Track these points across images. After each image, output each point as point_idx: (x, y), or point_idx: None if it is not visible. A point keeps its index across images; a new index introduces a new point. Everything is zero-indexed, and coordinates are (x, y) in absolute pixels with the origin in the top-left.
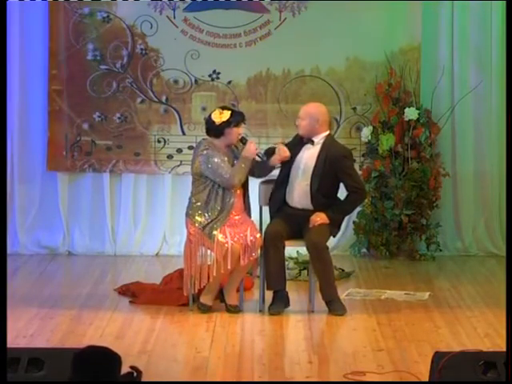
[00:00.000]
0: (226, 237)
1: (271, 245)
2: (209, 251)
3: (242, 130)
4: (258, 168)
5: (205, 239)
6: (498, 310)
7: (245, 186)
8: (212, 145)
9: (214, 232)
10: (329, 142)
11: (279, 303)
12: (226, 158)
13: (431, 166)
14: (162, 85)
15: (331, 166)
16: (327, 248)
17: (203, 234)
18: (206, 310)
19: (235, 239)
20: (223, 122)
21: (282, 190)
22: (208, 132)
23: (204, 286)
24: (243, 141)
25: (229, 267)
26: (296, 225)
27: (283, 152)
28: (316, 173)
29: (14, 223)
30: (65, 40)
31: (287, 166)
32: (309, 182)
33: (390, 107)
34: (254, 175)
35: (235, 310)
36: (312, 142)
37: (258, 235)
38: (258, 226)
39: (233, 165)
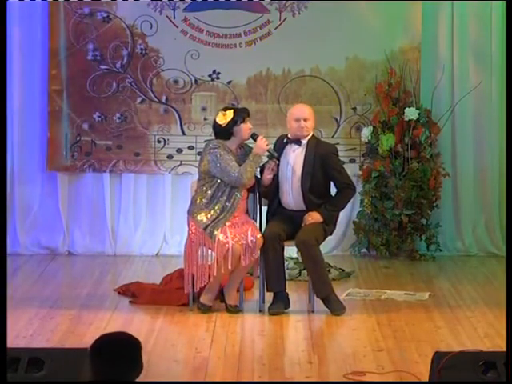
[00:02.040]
0: (227, 237)
1: (270, 247)
2: (209, 251)
3: (251, 125)
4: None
5: (206, 239)
6: (498, 310)
7: (254, 188)
8: (222, 145)
9: (215, 232)
10: (313, 141)
11: (279, 303)
12: (234, 159)
13: (431, 166)
14: (162, 85)
15: (321, 164)
16: (317, 245)
17: (204, 234)
18: (206, 309)
19: (236, 239)
20: (229, 121)
21: (276, 194)
22: (217, 136)
23: (204, 286)
24: (253, 136)
25: (229, 267)
26: (293, 226)
27: (271, 169)
28: (306, 172)
29: (13, 223)
30: (65, 40)
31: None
32: (300, 183)
33: (390, 107)
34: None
35: (235, 310)
36: (300, 143)
37: (259, 235)
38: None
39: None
